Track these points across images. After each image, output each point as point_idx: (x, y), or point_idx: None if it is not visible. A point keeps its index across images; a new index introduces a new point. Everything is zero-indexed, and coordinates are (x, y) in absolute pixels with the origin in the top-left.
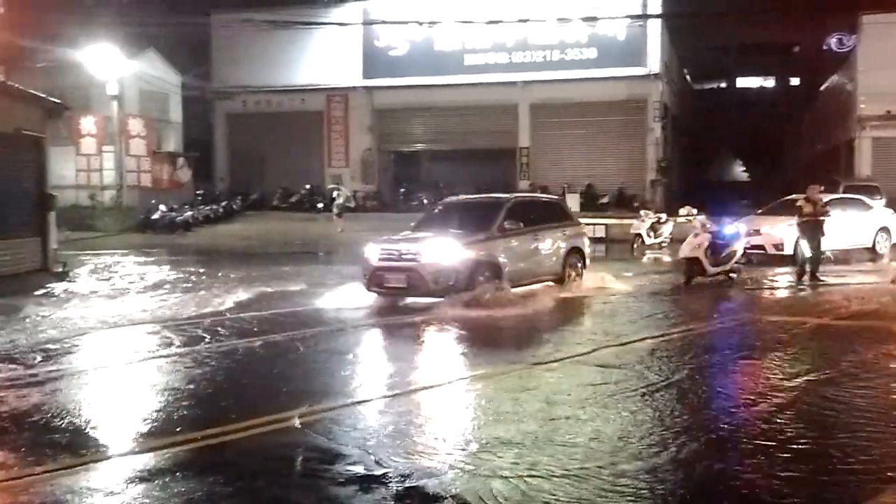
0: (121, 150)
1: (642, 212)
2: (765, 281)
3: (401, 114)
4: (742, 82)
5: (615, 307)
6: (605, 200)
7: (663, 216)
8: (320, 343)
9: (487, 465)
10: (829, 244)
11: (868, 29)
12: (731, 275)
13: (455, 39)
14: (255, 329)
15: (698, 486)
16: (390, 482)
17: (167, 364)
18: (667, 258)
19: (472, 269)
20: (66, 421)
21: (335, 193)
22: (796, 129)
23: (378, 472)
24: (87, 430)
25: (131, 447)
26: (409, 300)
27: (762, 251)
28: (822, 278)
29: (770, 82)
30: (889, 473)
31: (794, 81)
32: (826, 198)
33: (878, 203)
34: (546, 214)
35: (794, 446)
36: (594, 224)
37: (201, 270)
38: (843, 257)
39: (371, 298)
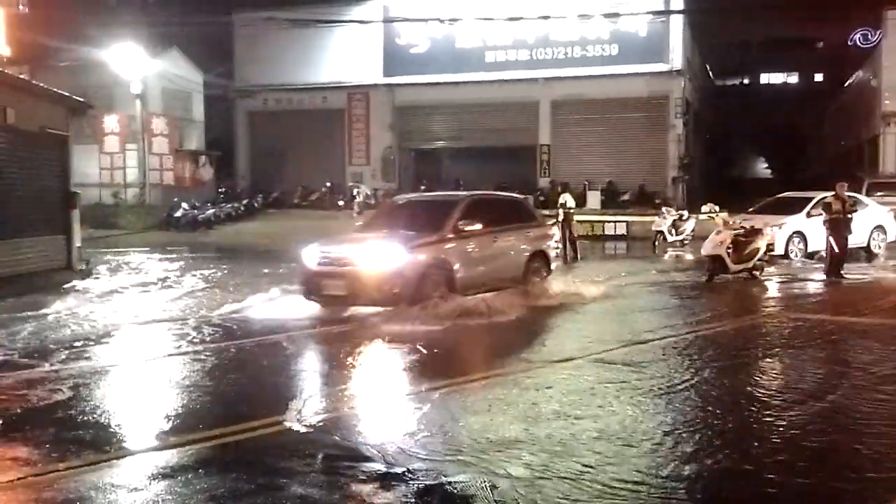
0: (144, 148)
1: (664, 209)
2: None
3: (421, 111)
4: (765, 78)
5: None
6: (626, 198)
7: (685, 213)
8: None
9: None
10: (821, 244)
11: (893, 24)
12: (754, 272)
13: (476, 36)
14: (276, 327)
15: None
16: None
17: (190, 361)
18: (689, 256)
19: (421, 274)
20: (89, 417)
21: (355, 191)
22: (820, 126)
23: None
24: (110, 427)
25: (154, 443)
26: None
27: None
28: (846, 276)
29: (793, 78)
30: None
31: (818, 77)
32: (818, 196)
33: (873, 201)
34: (508, 214)
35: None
36: (615, 221)
37: (224, 267)
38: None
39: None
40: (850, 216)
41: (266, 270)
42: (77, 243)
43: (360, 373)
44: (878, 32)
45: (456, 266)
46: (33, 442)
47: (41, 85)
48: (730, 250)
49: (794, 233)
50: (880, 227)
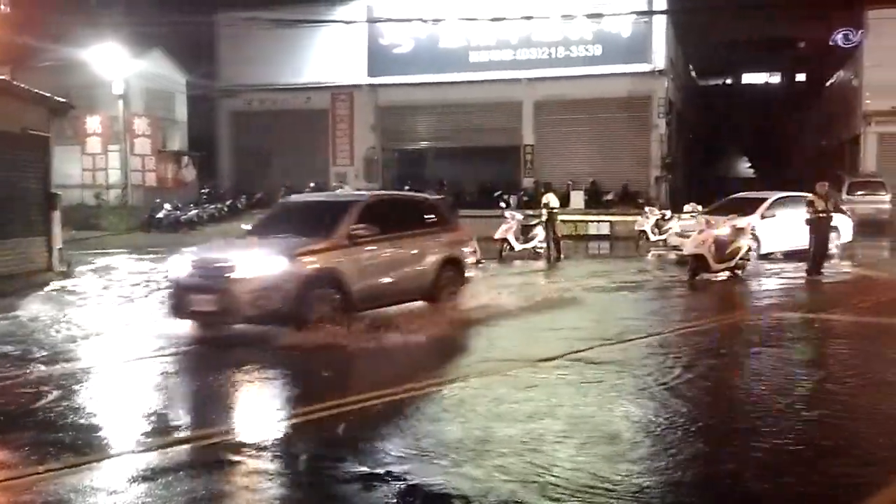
0: (126, 149)
1: (647, 208)
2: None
3: (405, 111)
4: (748, 78)
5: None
6: (609, 197)
7: (668, 213)
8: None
9: None
10: (775, 245)
11: (874, 24)
12: (736, 271)
13: (459, 37)
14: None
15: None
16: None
17: (169, 364)
18: (672, 255)
19: (305, 287)
20: (68, 420)
21: (339, 192)
22: (801, 125)
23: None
24: (89, 429)
25: (133, 446)
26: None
27: None
28: (824, 274)
29: (776, 78)
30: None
31: (800, 77)
32: (773, 196)
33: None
34: (416, 218)
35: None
36: (599, 221)
37: None
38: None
39: None
40: (832, 215)
41: None
42: (58, 245)
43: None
44: (859, 32)
45: (350, 277)
46: (12, 444)
47: (22, 86)
48: (712, 249)
49: None
50: (834, 228)
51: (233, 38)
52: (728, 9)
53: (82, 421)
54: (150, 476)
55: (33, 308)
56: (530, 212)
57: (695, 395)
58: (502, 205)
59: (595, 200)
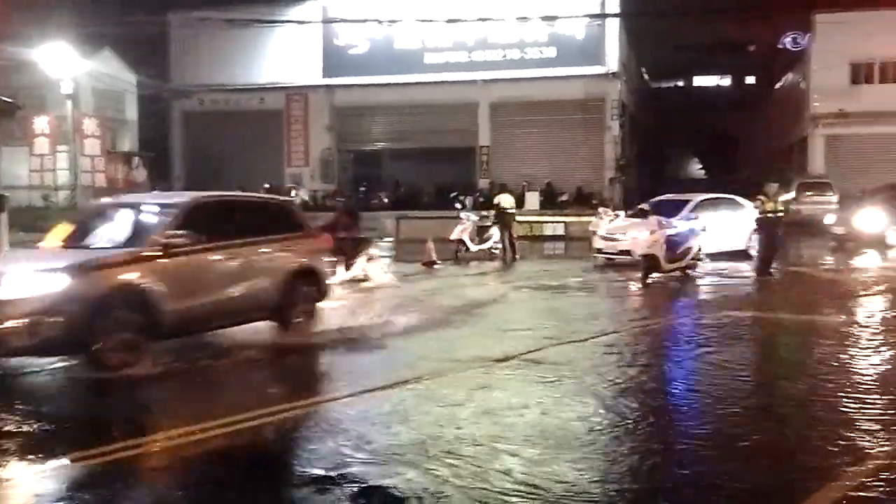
0: (75, 150)
1: (601, 209)
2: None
3: (361, 112)
4: (699, 81)
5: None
6: (564, 198)
7: (621, 214)
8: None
9: None
10: (705, 247)
11: (821, 28)
12: (687, 271)
13: (415, 38)
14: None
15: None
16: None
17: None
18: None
19: (95, 308)
20: (10, 426)
21: (293, 193)
22: (751, 127)
23: None
24: (21, 439)
25: (74, 454)
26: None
27: (628, 255)
28: (773, 273)
29: (726, 81)
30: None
31: (750, 80)
32: (697, 198)
33: (750, 204)
34: (259, 223)
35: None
36: (554, 222)
37: None
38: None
39: None
40: (780, 215)
41: None
42: (5, 248)
43: None
44: (807, 36)
45: (159, 295)
46: None
47: None
48: (664, 249)
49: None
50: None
51: (185, 37)
52: (679, 12)
53: None
54: None
55: None
56: (486, 213)
57: (642, 395)
58: (458, 206)
59: (550, 201)
